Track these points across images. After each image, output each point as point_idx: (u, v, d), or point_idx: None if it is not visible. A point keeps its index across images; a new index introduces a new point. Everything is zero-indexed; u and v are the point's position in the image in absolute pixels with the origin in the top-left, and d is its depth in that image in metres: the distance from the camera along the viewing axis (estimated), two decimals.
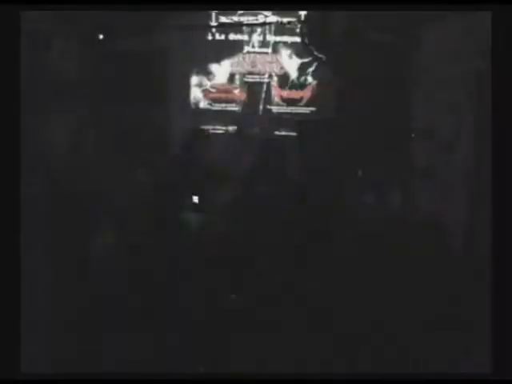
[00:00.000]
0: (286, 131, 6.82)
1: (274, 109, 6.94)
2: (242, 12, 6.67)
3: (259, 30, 6.87)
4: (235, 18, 6.71)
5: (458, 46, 4.71)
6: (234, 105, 6.96)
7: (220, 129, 6.84)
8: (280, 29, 6.82)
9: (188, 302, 3.02)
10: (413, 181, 5.75)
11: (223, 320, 2.90)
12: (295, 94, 6.92)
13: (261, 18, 6.66)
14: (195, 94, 6.96)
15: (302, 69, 6.89)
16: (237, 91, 6.95)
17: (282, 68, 6.92)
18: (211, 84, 6.95)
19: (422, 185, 5.51)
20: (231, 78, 6.95)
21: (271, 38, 6.88)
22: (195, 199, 4.91)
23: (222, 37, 6.86)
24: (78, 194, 3.97)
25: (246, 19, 6.70)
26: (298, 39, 6.77)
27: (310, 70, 6.87)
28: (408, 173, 5.92)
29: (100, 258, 3.10)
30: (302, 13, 6.53)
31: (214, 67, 6.91)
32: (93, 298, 2.74)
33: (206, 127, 6.73)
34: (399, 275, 2.86)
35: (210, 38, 6.83)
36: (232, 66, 6.92)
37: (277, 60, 6.92)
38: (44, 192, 3.18)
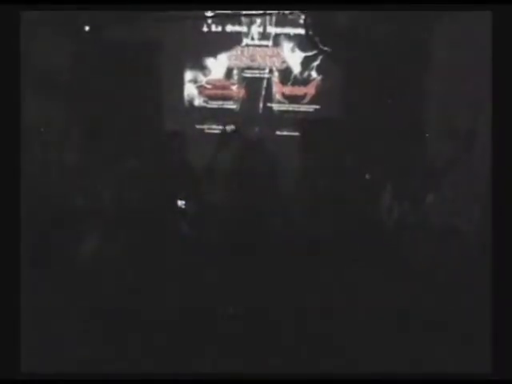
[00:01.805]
0: (287, 131, 7.05)
1: (275, 106, 7.15)
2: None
3: (259, 20, 7.08)
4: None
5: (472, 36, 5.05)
6: (231, 102, 7.17)
7: (216, 128, 7.03)
8: (282, 20, 7.03)
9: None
10: (428, 185, 6.04)
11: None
12: (298, 91, 7.13)
13: None
14: (189, 90, 7.19)
15: (306, 63, 7.10)
16: (234, 87, 7.16)
17: (283, 62, 7.13)
18: (207, 80, 7.17)
19: (437, 188, 5.80)
20: (228, 73, 7.14)
21: (272, 30, 7.08)
22: (181, 204, 5.15)
23: (219, 28, 7.06)
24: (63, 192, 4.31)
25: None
26: (301, 31, 6.98)
27: (315, 64, 7.09)
28: (423, 176, 6.22)
29: (98, 259, 3.43)
30: None
31: (209, 61, 7.13)
32: (92, 299, 3.07)
33: (201, 126, 7.06)
34: (402, 275, 3.20)
35: (205, 29, 7.04)
36: (229, 59, 7.12)
37: (278, 53, 7.13)
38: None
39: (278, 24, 7.08)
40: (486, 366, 2.49)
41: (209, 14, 6.96)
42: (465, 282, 3.15)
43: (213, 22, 7.05)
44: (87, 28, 6.75)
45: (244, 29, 7.10)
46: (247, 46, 7.13)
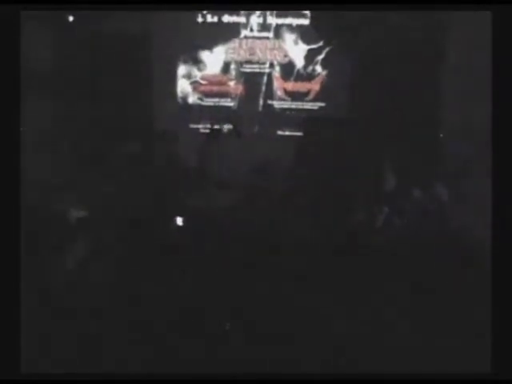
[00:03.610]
0: (290, 130, 7.37)
1: (276, 104, 7.44)
2: None
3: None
4: None
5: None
6: (228, 99, 7.46)
7: (212, 128, 7.15)
8: None
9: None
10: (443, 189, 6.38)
11: None
12: (301, 87, 7.40)
13: None
14: (183, 86, 7.47)
15: (310, 57, 7.35)
16: (232, 83, 7.44)
17: (285, 56, 7.38)
18: (202, 75, 7.45)
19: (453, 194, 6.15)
20: (225, 67, 7.41)
21: (273, 21, 7.32)
22: (179, 221, 5.38)
23: (215, 19, 7.29)
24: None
25: None
26: (305, 21, 7.26)
27: (320, 58, 7.34)
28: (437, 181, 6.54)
29: (97, 258, 3.87)
30: None
31: (204, 55, 7.39)
32: (92, 298, 3.50)
33: (195, 126, 7.35)
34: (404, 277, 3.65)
35: (200, 19, 7.27)
36: (226, 53, 7.37)
37: (279, 46, 7.37)
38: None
39: (279, 14, 7.28)
40: (486, 366, 2.90)
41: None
42: (465, 283, 3.62)
43: (208, 12, 7.23)
44: (71, 18, 7.00)
45: (242, 19, 7.31)
46: (246, 38, 7.35)
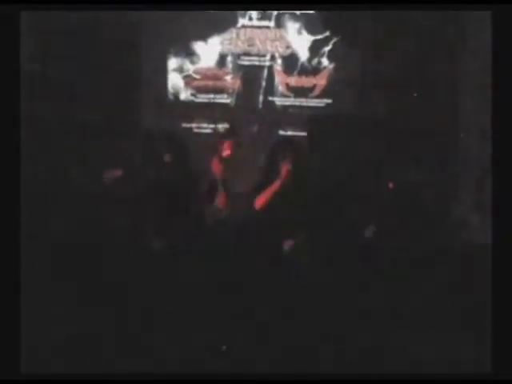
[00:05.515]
0: (293, 130, 7.64)
1: (278, 101, 7.72)
2: None
3: None
4: None
5: None
6: (225, 96, 7.71)
7: (207, 127, 7.61)
8: None
9: None
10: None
11: None
12: (305, 82, 7.68)
13: None
14: (174, 81, 7.72)
15: (315, 48, 7.63)
16: (229, 78, 7.70)
17: (288, 47, 7.65)
18: (195, 68, 7.70)
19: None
20: (221, 60, 7.66)
21: None
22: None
23: None
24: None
25: None
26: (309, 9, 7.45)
27: (326, 49, 7.63)
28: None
29: (98, 258, 4.45)
30: None
31: (198, 46, 7.64)
32: (92, 298, 4.07)
33: (188, 125, 7.59)
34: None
35: None
36: (222, 44, 7.62)
37: (281, 37, 7.64)
38: None
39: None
40: (486, 366, 3.43)
41: None
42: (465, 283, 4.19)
43: None
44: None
45: None
46: (244, 27, 7.62)
